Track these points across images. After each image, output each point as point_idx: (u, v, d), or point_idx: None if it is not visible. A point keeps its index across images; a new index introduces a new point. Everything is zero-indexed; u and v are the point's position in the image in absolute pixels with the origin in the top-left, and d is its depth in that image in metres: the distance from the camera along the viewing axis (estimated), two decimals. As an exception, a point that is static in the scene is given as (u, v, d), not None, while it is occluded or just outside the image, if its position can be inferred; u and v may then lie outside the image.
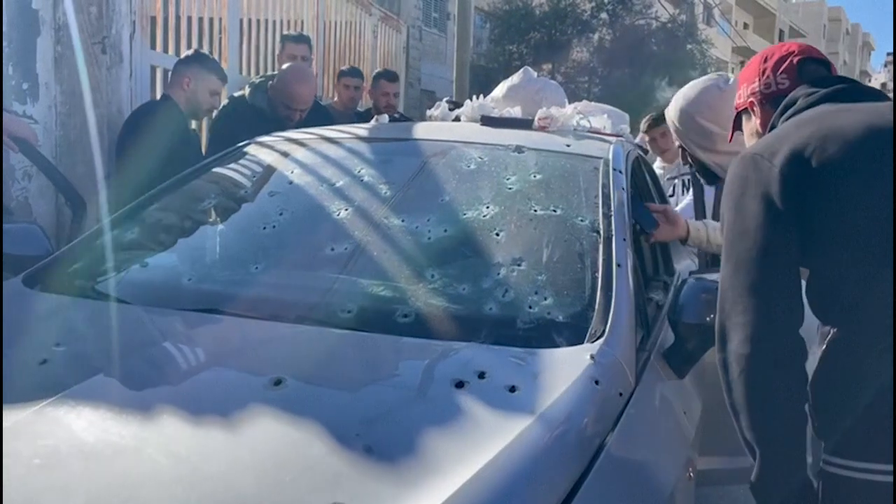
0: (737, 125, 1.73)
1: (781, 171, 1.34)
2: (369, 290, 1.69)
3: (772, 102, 1.58)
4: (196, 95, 3.15)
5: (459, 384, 1.32)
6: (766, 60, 1.62)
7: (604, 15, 19.37)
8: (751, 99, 1.62)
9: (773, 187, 1.34)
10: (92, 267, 1.86)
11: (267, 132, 2.51)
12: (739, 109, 1.68)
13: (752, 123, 1.64)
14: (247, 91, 3.54)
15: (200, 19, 4.22)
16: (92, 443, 1.16)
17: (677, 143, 2.31)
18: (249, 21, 4.71)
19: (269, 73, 4.04)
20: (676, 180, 4.63)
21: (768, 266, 1.34)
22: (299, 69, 3.51)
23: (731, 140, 1.86)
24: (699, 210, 3.03)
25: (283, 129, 3.09)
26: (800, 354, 1.35)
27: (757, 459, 1.36)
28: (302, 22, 5.41)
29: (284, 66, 3.60)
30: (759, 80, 1.60)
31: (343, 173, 2.14)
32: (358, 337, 1.53)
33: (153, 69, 3.83)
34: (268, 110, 3.38)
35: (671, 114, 2.35)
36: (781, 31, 44.41)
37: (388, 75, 4.78)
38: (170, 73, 3.35)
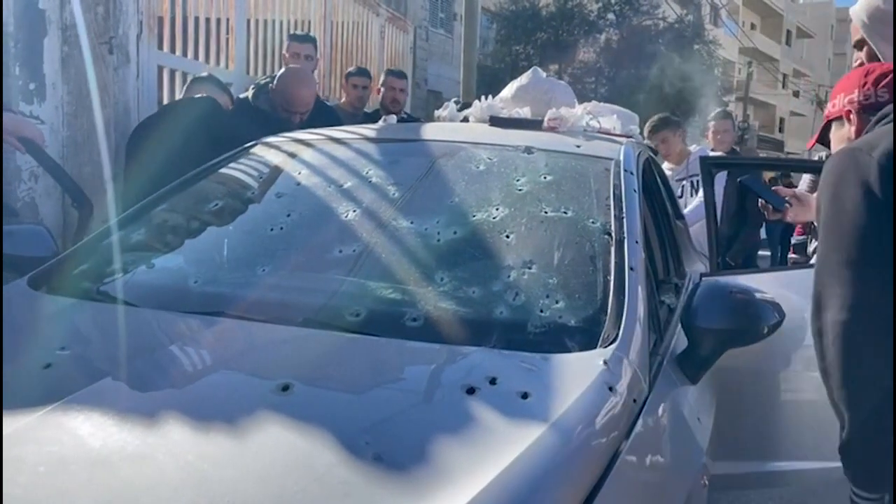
0: (822, 133, 1.87)
1: (880, 161, 1.46)
2: (378, 292, 1.67)
3: (869, 113, 1.72)
4: None
5: (470, 390, 1.29)
6: (867, 74, 1.77)
7: (610, 15, 19.34)
8: (848, 108, 1.76)
9: (872, 176, 1.45)
10: (97, 269, 1.84)
11: (271, 133, 2.49)
12: (831, 118, 1.81)
13: (843, 130, 1.78)
14: (250, 93, 3.54)
15: (208, 20, 4.21)
16: (97, 449, 1.14)
17: (857, 37, 2.25)
18: (257, 21, 4.70)
19: (273, 73, 4.03)
20: (685, 182, 4.59)
21: (865, 244, 1.44)
22: (298, 71, 3.48)
23: (811, 147, 2.03)
24: (710, 210, 3.00)
25: (287, 130, 3.10)
26: (891, 325, 1.44)
27: (846, 422, 1.45)
28: (309, 22, 5.40)
29: (284, 68, 3.58)
30: (860, 90, 1.75)
31: (351, 174, 2.12)
32: (366, 341, 1.50)
33: (160, 69, 3.82)
34: (270, 112, 3.36)
35: (859, 10, 2.28)
36: (789, 32, 44.26)
37: (396, 72, 4.89)
38: (185, 88, 3.43)
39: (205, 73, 3.59)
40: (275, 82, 3.37)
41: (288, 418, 1.19)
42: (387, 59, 6.79)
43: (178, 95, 3.91)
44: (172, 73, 3.93)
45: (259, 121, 3.20)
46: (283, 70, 3.51)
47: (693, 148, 4.88)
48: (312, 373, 1.42)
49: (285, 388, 1.27)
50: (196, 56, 4.11)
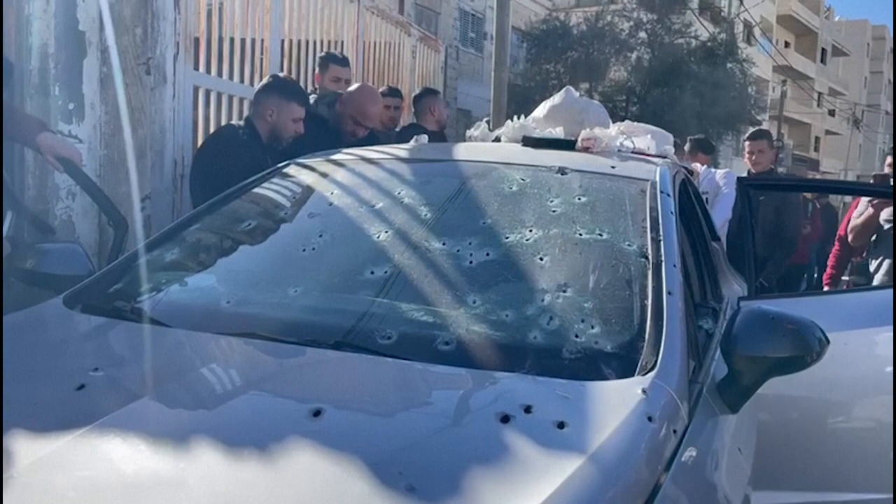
0: None
1: None
2: (410, 315, 1.65)
3: None
4: (280, 125, 3.17)
5: (505, 418, 1.26)
6: None
7: (642, 34, 19.27)
8: None
9: None
10: (131, 288, 1.85)
11: (328, 140, 2.59)
12: None
13: None
14: (311, 100, 3.65)
15: (243, 40, 4.26)
16: (128, 474, 1.13)
17: None
18: (290, 42, 4.75)
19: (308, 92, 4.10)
20: None
21: None
22: (373, 91, 3.74)
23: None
24: (747, 231, 2.96)
25: (343, 140, 3.32)
26: None
27: None
28: (342, 42, 5.44)
29: (354, 85, 3.82)
30: None
31: (383, 195, 2.11)
32: (398, 365, 1.48)
33: (196, 89, 3.87)
34: (330, 121, 3.51)
35: None
36: (824, 50, 43.71)
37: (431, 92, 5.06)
38: (251, 101, 3.37)
39: (271, 79, 3.51)
40: (347, 95, 3.56)
41: (320, 445, 1.17)
42: (418, 78, 6.82)
43: (213, 114, 3.97)
44: (208, 93, 3.98)
45: (318, 128, 3.34)
46: (357, 85, 3.75)
47: (722, 170, 5.10)
48: (344, 397, 1.40)
49: (317, 413, 1.25)
50: (231, 76, 4.16)
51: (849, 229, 3.90)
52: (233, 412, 1.33)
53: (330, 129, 3.44)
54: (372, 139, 3.68)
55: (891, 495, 2.18)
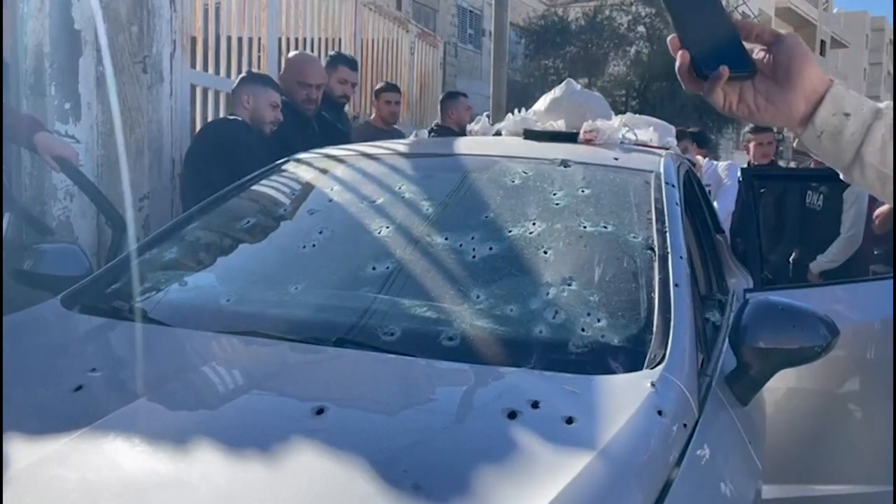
0: None
1: None
2: (412, 311, 1.62)
3: None
4: (259, 111, 3.20)
5: (512, 414, 1.23)
6: None
7: (640, 28, 19.22)
8: None
9: None
10: (129, 287, 1.82)
11: (297, 121, 2.77)
12: None
13: None
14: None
15: (240, 39, 4.24)
16: (128, 474, 1.10)
17: None
18: (288, 40, 4.72)
19: None
20: None
21: None
22: (306, 53, 3.85)
23: None
24: (751, 222, 2.93)
25: (303, 111, 3.44)
26: None
27: None
28: (339, 40, 5.41)
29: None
30: None
31: (383, 190, 2.08)
32: (402, 362, 1.45)
33: (193, 88, 3.84)
34: (290, 101, 3.48)
35: None
36: (823, 42, 43.63)
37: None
38: (230, 98, 3.44)
39: (245, 73, 3.56)
40: (284, 68, 3.60)
41: (323, 443, 1.14)
42: (417, 75, 6.79)
43: (210, 113, 3.94)
44: (205, 91, 3.95)
45: (289, 112, 3.34)
46: (288, 55, 3.81)
47: (724, 162, 5.14)
48: (347, 395, 1.38)
49: (320, 411, 1.23)
50: (228, 74, 4.13)
51: (874, 216, 3.84)
52: (234, 411, 1.30)
53: (294, 110, 3.43)
54: (373, 135, 3.66)
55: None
